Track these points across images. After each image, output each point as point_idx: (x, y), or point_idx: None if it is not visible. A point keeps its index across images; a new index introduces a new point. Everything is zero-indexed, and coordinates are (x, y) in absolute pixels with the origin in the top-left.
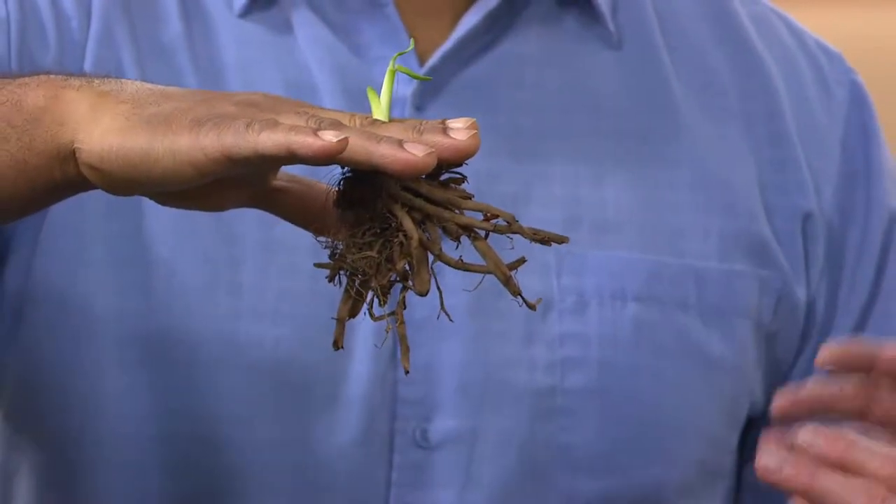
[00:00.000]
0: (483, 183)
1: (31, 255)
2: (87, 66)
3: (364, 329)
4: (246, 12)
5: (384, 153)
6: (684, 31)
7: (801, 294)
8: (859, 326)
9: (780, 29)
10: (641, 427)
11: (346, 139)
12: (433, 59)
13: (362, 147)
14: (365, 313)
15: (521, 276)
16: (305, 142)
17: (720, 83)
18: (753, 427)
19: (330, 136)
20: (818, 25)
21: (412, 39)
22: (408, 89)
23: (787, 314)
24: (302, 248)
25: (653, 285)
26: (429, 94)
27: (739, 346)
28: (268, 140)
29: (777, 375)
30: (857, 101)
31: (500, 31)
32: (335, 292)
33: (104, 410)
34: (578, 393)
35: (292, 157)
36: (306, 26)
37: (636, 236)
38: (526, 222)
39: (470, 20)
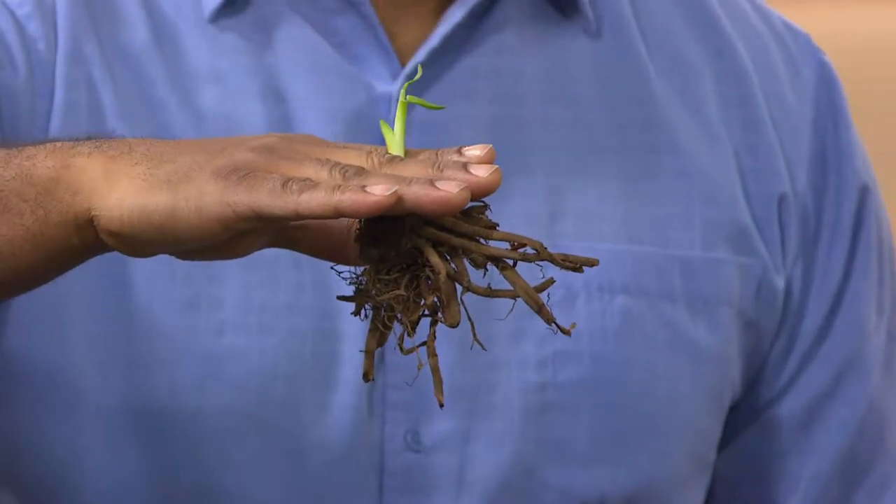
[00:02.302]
0: None
1: None
2: (58, 85)
3: (350, 336)
4: (216, 17)
5: (417, 195)
6: (656, 17)
7: (779, 282)
8: (835, 305)
9: (747, 9)
10: (634, 420)
11: (396, 193)
12: (419, 55)
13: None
14: (395, 347)
15: None
16: (356, 199)
17: (694, 70)
18: (728, 418)
19: (380, 191)
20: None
21: (419, 66)
22: (394, 87)
23: (767, 302)
24: (283, 260)
25: (639, 276)
26: (415, 90)
27: (724, 335)
28: (311, 201)
29: (754, 364)
30: (826, 81)
31: (481, 22)
32: (319, 303)
33: (85, 426)
34: (571, 387)
35: (338, 215)
36: (280, 27)
37: (620, 227)
38: (510, 215)
39: (454, 15)
